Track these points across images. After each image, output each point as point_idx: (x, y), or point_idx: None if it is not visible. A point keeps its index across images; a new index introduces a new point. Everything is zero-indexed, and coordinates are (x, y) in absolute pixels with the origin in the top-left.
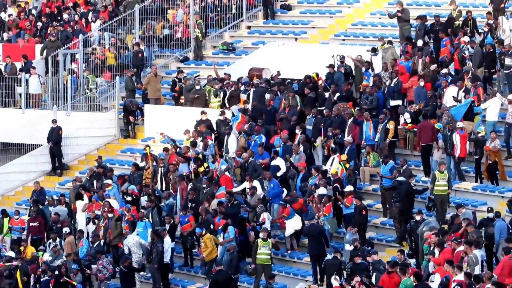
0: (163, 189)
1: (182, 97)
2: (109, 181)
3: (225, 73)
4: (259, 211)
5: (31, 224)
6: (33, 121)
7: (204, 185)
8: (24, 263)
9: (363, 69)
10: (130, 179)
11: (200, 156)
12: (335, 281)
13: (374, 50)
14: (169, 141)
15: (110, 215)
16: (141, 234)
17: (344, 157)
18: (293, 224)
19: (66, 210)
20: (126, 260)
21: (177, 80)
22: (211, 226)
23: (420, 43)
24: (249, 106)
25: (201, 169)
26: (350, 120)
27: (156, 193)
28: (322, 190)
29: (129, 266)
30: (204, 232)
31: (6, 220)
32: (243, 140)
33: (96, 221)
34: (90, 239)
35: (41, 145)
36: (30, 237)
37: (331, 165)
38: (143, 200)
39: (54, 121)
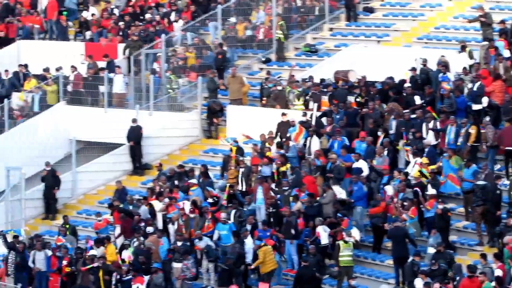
0: (244, 189)
1: (264, 98)
2: (194, 181)
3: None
4: None
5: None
6: (116, 121)
7: (285, 188)
8: (106, 263)
9: (440, 74)
10: (201, 186)
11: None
12: (418, 282)
13: (463, 48)
14: (232, 142)
15: (192, 215)
16: (225, 237)
17: (424, 160)
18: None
19: (147, 209)
20: (228, 260)
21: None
22: (292, 230)
23: (508, 53)
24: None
25: (283, 168)
26: (430, 123)
27: (235, 196)
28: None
29: (231, 265)
30: (262, 244)
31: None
32: (326, 142)
33: (176, 222)
34: (172, 238)
35: (124, 144)
36: (122, 238)
37: (413, 167)
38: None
39: (134, 121)
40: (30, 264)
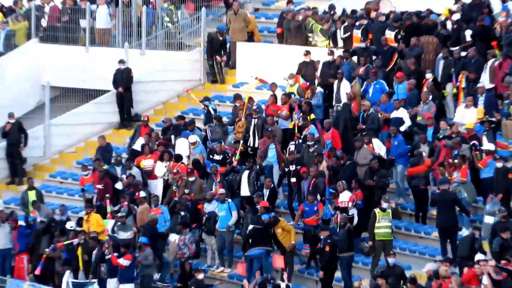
0: (256, 145)
1: (280, 27)
2: (194, 138)
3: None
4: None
5: (97, 186)
6: (100, 62)
7: (309, 142)
8: (88, 238)
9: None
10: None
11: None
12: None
13: None
14: (204, 103)
15: (191, 179)
16: (223, 219)
17: (480, 109)
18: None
19: (139, 172)
20: (259, 219)
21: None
22: (318, 196)
23: None
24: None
25: (308, 118)
26: (490, 62)
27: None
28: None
29: (264, 224)
30: (272, 217)
31: (31, 193)
32: (358, 86)
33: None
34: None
35: (109, 91)
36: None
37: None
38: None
39: (121, 62)
40: None
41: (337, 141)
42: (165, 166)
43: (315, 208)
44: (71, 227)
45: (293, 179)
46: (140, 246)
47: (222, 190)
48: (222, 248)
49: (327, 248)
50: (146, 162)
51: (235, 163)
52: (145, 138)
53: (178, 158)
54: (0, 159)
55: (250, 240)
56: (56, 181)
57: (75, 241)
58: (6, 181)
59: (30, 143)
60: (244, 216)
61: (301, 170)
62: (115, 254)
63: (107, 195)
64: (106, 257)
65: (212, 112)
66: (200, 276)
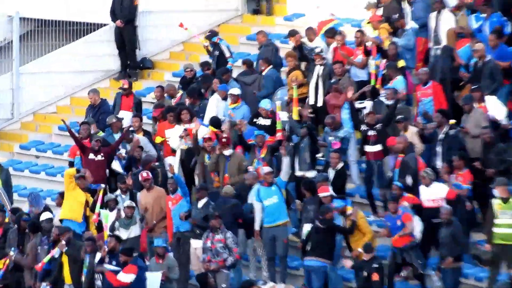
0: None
1: None
2: (237, 90)
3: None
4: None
5: (89, 159)
6: None
7: (389, 102)
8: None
9: None
10: None
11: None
12: None
13: None
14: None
15: (227, 152)
16: (273, 210)
17: None
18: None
19: (145, 139)
20: (327, 212)
21: None
22: (409, 179)
23: None
24: None
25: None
26: None
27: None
28: None
29: (330, 222)
30: (350, 207)
31: None
32: (466, 21)
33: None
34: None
35: (106, 24)
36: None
37: None
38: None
39: None
40: None
41: (440, 99)
42: (184, 130)
43: (399, 222)
44: (46, 219)
45: (373, 148)
46: (162, 252)
47: (268, 169)
48: (272, 254)
49: (375, 277)
50: (171, 133)
51: (279, 135)
52: (156, 92)
53: (215, 122)
54: None
55: (309, 245)
56: (29, 154)
57: (56, 252)
58: None
59: None
60: (303, 208)
61: (388, 141)
62: (110, 268)
63: (102, 185)
64: (109, 268)
65: (228, 53)
66: None
